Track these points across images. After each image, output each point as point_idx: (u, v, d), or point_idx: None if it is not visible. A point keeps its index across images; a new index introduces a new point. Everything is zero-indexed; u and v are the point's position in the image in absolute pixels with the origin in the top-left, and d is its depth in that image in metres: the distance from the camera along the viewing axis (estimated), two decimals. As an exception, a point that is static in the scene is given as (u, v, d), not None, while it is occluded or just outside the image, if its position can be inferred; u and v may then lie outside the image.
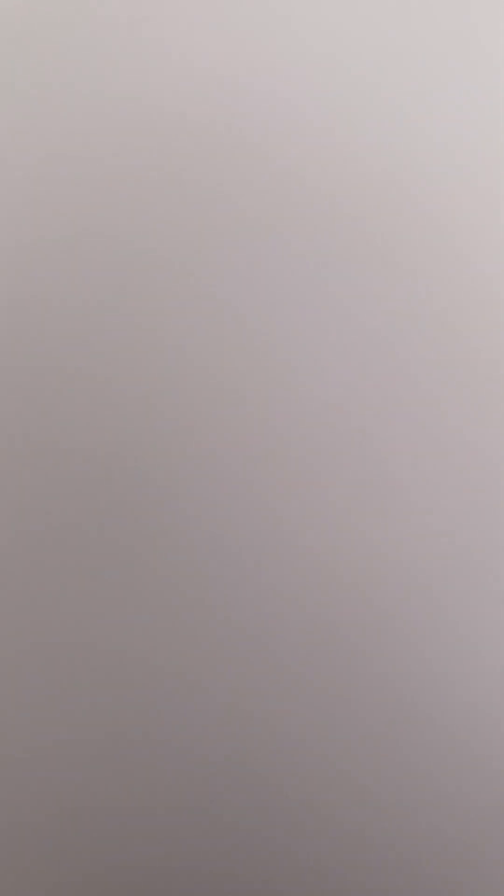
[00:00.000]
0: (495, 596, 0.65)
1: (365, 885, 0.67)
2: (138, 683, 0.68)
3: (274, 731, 0.67)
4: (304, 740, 0.67)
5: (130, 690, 0.69)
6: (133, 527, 0.68)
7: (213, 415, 0.68)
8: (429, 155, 0.66)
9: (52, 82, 0.69)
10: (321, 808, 0.67)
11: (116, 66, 0.69)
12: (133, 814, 0.69)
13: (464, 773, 0.66)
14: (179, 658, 0.68)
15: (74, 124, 0.69)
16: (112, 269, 0.68)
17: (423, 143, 0.66)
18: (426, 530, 0.66)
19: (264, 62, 0.67)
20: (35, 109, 0.69)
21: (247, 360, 0.67)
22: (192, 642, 0.68)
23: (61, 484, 0.69)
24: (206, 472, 0.68)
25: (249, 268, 0.67)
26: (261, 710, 0.67)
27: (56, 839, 0.69)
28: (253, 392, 0.67)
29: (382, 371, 0.66)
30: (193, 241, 0.68)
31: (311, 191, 0.67)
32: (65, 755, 0.69)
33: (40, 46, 0.69)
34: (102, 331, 0.69)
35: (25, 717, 0.69)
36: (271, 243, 0.67)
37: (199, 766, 0.68)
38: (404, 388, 0.66)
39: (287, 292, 0.67)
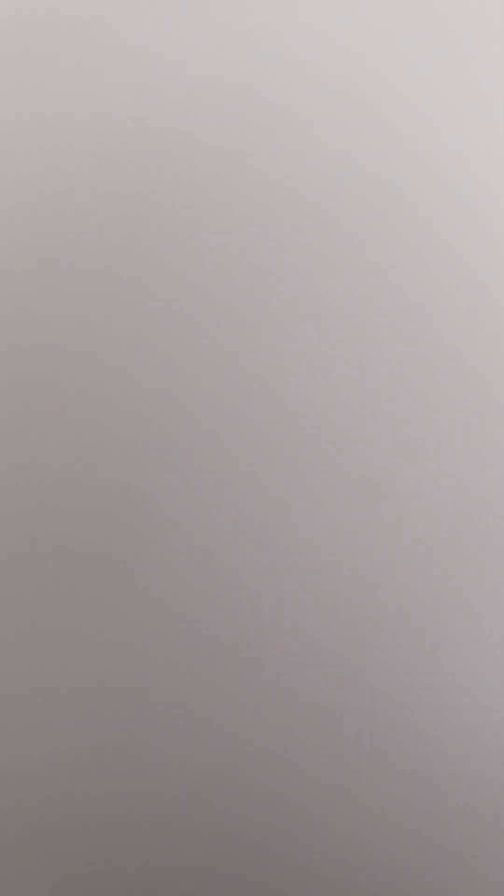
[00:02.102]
0: (495, 602, 0.65)
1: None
2: (137, 696, 0.68)
3: (273, 743, 0.67)
4: (303, 750, 0.67)
5: (129, 703, 0.68)
6: (131, 538, 0.68)
7: (211, 427, 0.68)
8: (429, 168, 0.66)
9: (51, 93, 0.69)
10: (320, 819, 0.67)
11: (115, 76, 0.69)
12: (132, 827, 0.69)
13: (464, 786, 0.66)
14: (179, 669, 0.68)
15: (73, 137, 0.69)
16: (111, 280, 0.69)
17: (425, 159, 0.66)
18: (425, 540, 0.66)
19: (263, 75, 0.67)
20: (34, 120, 0.69)
21: (245, 372, 0.67)
22: (191, 652, 0.68)
23: (59, 499, 0.69)
24: (204, 484, 0.68)
25: (247, 278, 0.67)
26: (260, 721, 0.67)
27: (56, 847, 0.69)
28: (251, 405, 0.67)
29: (380, 380, 0.66)
30: (192, 255, 0.68)
31: (311, 205, 0.67)
32: (63, 768, 0.69)
33: (39, 57, 0.69)
34: (101, 346, 0.69)
35: (25, 729, 0.69)
36: (270, 254, 0.67)
37: (198, 778, 0.68)
38: (402, 398, 0.66)
39: (285, 303, 0.67)
